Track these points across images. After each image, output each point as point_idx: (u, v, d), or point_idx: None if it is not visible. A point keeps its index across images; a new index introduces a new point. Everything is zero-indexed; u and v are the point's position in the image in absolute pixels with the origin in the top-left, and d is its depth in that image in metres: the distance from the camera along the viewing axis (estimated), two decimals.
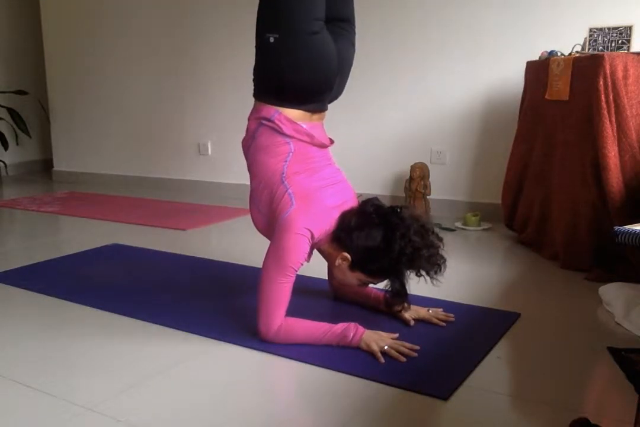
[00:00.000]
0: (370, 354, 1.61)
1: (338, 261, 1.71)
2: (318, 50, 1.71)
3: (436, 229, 1.71)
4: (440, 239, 1.67)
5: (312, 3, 1.68)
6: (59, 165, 4.87)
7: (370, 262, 1.66)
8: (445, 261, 1.64)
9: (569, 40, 2.75)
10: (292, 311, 1.69)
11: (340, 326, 1.66)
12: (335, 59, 1.75)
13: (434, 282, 1.63)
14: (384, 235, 1.62)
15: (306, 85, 1.75)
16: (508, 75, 3.06)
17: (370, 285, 1.82)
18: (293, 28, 1.68)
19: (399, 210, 1.66)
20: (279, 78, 1.73)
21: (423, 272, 1.63)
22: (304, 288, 2.10)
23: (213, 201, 3.85)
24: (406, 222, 1.62)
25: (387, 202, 1.76)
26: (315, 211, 1.69)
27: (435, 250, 1.63)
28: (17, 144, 5.06)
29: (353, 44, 1.87)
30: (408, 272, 1.65)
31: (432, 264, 1.62)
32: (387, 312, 1.87)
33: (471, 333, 1.79)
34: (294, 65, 1.70)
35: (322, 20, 1.72)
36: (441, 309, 1.90)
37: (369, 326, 1.69)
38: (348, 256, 1.68)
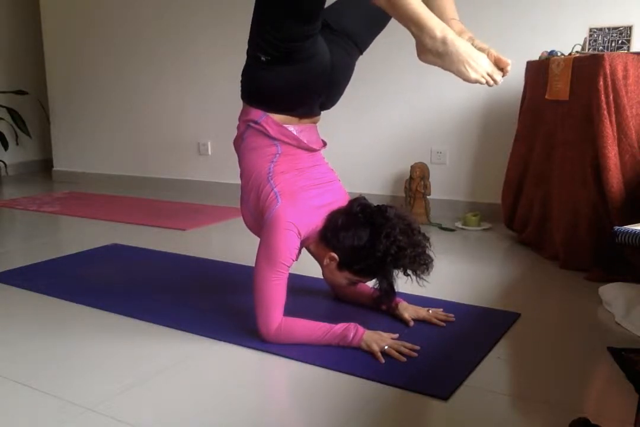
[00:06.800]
0: (371, 354, 1.61)
1: (326, 261, 1.71)
2: (309, 71, 1.69)
3: (433, 228, 1.71)
4: (427, 239, 1.66)
5: (302, 34, 1.60)
6: (59, 165, 4.87)
7: (357, 262, 1.66)
8: (432, 260, 1.63)
9: (569, 40, 2.75)
10: (292, 311, 1.69)
11: (340, 326, 1.66)
12: (326, 75, 1.73)
13: (421, 282, 1.62)
14: (370, 234, 1.62)
15: (292, 99, 1.75)
16: (508, 75, 3.05)
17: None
18: (287, 57, 1.64)
19: (385, 209, 1.65)
20: (265, 91, 1.73)
21: (410, 272, 1.62)
22: (304, 288, 2.11)
23: (213, 201, 3.85)
24: (392, 222, 1.62)
25: (387, 202, 1.75)
26: (301, 209, 1.69)
27: (422, 249, 1.62)
28: (17, 144, 5.06)
29: (348, 53, 1.82)
30: (395, 271, 1.64)
31: (418, 264, 1.61)
32: (387, 312, 1.87)
33: (471, 333, 1.79)
34: (282, 83, 1.69)
35: (315, 43, 1.66)
36: (441, 309, 1.90)
37: (369, 326, 1.69)
38: (335, 255, 1.68)
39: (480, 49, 1.52)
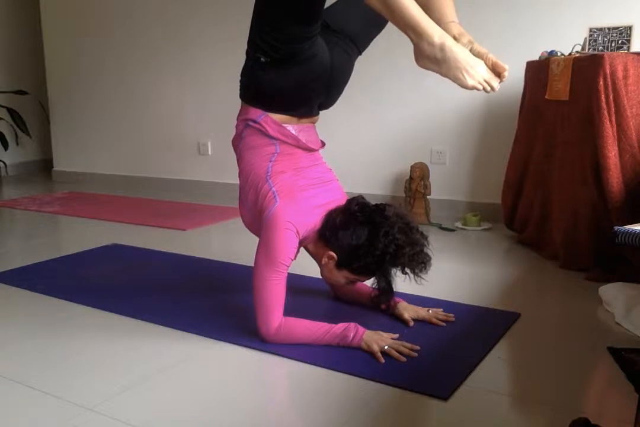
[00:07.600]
0: (371, 354, 1.61)
1: (324, 260, 1.71)
2: (309, 72, 1.68)
3: (433, 228, 1.71)
4: (425, 237, 1.66)
5: (302, 36, 1.59)
6: (59, 165, 4.87)
7: (355, 261, 1.66)
8: (430, 259, 1.63)
9: (569, 40, 2.75)
10: (292, 311, 1.69)
11: (340, 326, 1.66)
12: (326, 76, 1.73)
13: (419, 280, 1.62)
14: (369, 233, 1.62)
15: (292, 99, 1.75)
16: (508, 75, 3.06)
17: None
18: (287, 58, 1.64)
19: (383, 208, 1.66)
20: (264, 91, 1.72)
21: (408, 270, 1.62)
22: (304, 288, 2.11)
23: (213, 201, 3.85)
24: (390, 220, 1.62)
25: (387, 203, 1.75)
26: (299, 208, 1.69)
27: (420, 248, 1.62)
28: (17, 144, 5.06)
29: (347, 53, 1.81)
30: (393, 270, 1.65)
31: (417, 262, 1.61)
32: (387, 312, 1.87)
33: (471, 333, 1.79)
34: (282, 84, 1.69)
35: (315, 44, 1.65)
36: (441, 309, 1.90)
37: (369, 326, 1.69)
38: (334, 254, 1.68)
39: (479, 54, 1.52)
